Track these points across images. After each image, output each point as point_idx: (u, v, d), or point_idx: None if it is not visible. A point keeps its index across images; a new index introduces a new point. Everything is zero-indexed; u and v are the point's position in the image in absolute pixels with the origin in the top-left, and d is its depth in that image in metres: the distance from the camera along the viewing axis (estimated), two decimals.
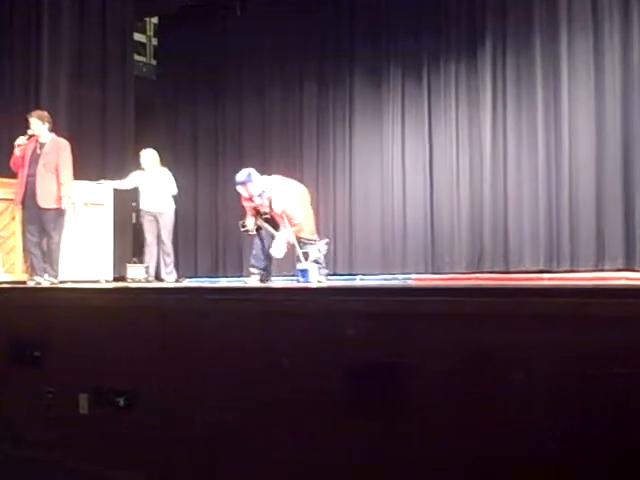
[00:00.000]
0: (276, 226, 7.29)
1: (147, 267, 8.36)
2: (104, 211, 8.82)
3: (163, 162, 8.63)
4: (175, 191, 8.43)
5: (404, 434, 3.03)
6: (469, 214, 9.51)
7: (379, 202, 10.23)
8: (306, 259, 7.07)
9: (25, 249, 7.23)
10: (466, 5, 9.69)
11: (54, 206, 6.76)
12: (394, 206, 10.10)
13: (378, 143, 10.32)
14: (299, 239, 7.24)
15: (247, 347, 3.56)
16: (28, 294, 5.49)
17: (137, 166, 8.59)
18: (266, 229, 7.34)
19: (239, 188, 7.36)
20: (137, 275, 8.59)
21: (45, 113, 7.07)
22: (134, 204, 9.31)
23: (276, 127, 11.15)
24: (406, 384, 3.04)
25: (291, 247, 7.27)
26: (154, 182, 8.34)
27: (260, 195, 7.23)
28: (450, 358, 2.96)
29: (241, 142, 11.33)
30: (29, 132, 6.89)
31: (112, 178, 8.56)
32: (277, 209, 7.22)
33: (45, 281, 6.70)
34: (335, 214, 10.47)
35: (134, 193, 8.64)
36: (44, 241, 6.84)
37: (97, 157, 9.82)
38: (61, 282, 6.81)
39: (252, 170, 7.40)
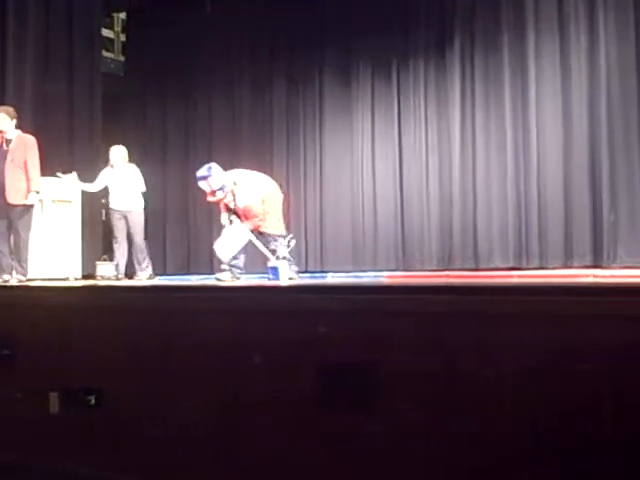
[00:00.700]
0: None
1: (117, 265, 8.28)
2: (72, 208, 8.75)
3: (132, 159, 8.56)
4: (143, 188, 8.36)
5: (376, 433, 3.05)
6: (439, 212, 9.58)
7: (349, 199, 10.26)
8: (274, 255, 7.06)
9: None
10: (435, 5, 9.75)
11: (23, 202, 6.68)
12: (364, 203, 10.14)
13: (348, 141, 10.35)
14: (263, 234, 7.22)
15: (217, 346, 3.55)
16: None
17: (105, 162, 8.52)
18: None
19: (201, 183, 7.33)
20: (106, 273, 8.53)
21: (11, 109, 6.98)
22: (103, 201, 9.23)
23: (246, 124, 11.13)
24: (378, 382, 3.06)
25: (251, 244, 7.24)
26: (122, 180, 8.27)
27: (221, 189, 7.19)
28: (422, 356, 2.98)
29: (211, 139, 11.28)
30: None
31: (80, 174, 8.43)
32: (240, 204, 7.21)
33: (13, 279, 6.62)
34: (306, 211, 10.48)
35: (104, 190, 8.56)
36: (12, 238, 6.76)
37: (64, 153, 9.70)
38: (29, 280, 6.74)
39: (213, 164, 7.38)
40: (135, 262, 8.29)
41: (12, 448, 4.14)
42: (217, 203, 7.50)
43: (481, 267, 9.10)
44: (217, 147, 10.96)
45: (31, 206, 6.77)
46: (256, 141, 10.95)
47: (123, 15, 12.37)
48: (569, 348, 2.68)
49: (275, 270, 6.89)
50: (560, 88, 8.80)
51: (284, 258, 7.06)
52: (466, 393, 2.88)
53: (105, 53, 11.88)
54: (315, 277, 9.61)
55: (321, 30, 10.54)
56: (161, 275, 10.01)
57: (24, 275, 6.68)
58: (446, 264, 9.40)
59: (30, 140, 6.90)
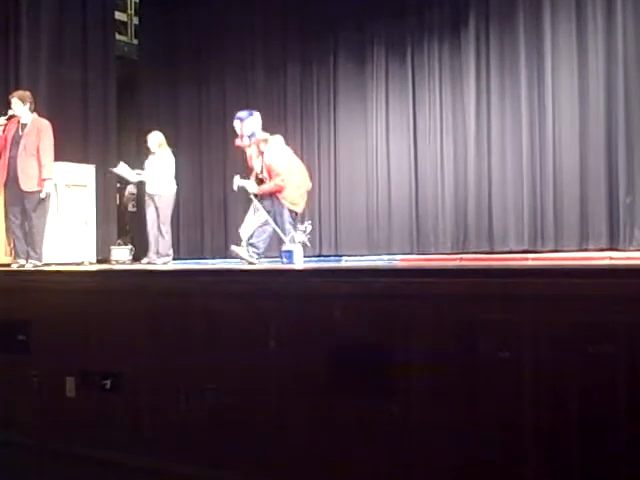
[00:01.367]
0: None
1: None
2: (87, 192, 8.75)
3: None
4: (173, 172, 8.37)
5: (391, 414, 3.04)
6: (454, 194, 9.51)
7: (364, 183, 10.21)
8: (283, 233, 7.06)
9: (8, 231, 7.15)
10: None
11: (36, 189, 6.68)
12: (379, 187, 10.09)
13: (362, 123, 10.29)
14: (280, 200, 7.17)
15: (233, 329, 3.56)
16: (11, 277, 5.45)
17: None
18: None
19: (235, 123, 7.45)
20: (121, 257, 8.55)
21: (27, 93, 6.95)
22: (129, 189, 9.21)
23: (260, 106, 10.95)
24: (393, 364, 3.05)
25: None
26: (155, 164, 8.31)
27: (250, 137, 7.29)
28: (437, 339, 2.97)
29: (225, 122, 11.23)
30: (10, 112, 6.80)
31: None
32: (266, 160, 7.25)
33: (28, 264, 6.64)
34: (320, 195, 10.43)
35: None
36: (26, 223, 6.77)
37: (79, 138, 9.73)
38: (45, 265, 6.76)
39: (256, 112, 7.52)
40: (153, 245, 8.26)
41: (31, 431, 4.18)
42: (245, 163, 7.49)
43: (496, 250, 9.05)
44: (231, 130, 10.89)
45: (47, 194, 6.76)
46: (270, 123, 10.85)
47: None
48: (587, 329, 2.66)
49: (290, 254, 6.88)
50: (577, 68, 8.69)
51: (300, 242, 7.04)
52: (483, 374, 2.87)
53: (118, 36, 11.84)
54: (329, 261, 9.59)
55: (335, 11, 10.44)
56: (176, 259, 10.03)
57: (39, 260, 6.69)
58: (460, 247, 9.35)
59: (44, 125, 6.87)
